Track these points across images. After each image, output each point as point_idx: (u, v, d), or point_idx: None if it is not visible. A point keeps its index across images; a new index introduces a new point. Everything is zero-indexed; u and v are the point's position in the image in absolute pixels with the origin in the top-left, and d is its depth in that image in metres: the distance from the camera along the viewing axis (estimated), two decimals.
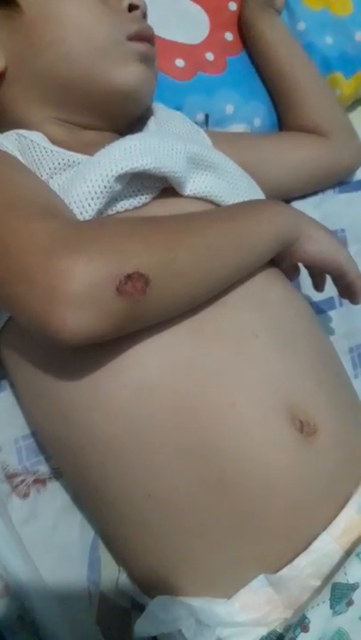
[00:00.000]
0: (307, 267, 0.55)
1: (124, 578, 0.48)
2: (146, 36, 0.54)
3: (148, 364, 0.42)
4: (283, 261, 0.51)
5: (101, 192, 0.44)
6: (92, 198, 0.44)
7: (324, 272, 0.54)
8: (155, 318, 0.41)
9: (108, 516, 0.46)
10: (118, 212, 0.47)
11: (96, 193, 0.44)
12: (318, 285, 0.57)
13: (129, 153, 0.45)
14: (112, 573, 0.49)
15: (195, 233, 0.43)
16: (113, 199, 0.46)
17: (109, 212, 0.46)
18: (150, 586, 0.45)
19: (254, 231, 0.46)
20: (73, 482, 0.51)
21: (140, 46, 0.53)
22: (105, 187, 0.44)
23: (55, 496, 0.52)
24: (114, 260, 0.37)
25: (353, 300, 0.54)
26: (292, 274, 0.55)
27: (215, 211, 0.49)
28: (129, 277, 0.37)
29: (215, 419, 0.41)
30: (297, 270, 0.56)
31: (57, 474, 0.53)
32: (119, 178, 0.45)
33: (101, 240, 0.39)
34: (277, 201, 0.54)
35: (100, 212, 0.45)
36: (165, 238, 0.41)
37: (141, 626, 0.43)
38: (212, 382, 0.42)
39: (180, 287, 0.41)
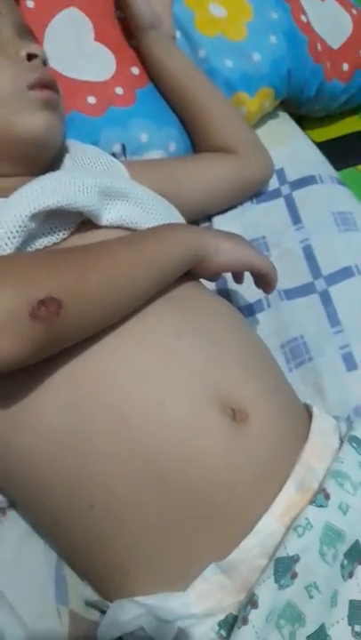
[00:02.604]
0: None
1: (89, 591, 0.49)
2: (47, 83, 0.57)
3: (75, 380, 0.45)
4: (201, 274, 0.56)
5: (17, 232, 0.47)
6: (9, 238, 0.47)
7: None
8: (73, 338, 0.44)
9: (60, 533, 0.48)
10: (38, 250, 0.50)
11: (12, 233, 0.47)
12: (238, 279, 0.63)
13: (40, 193, 0.49)
14: (78, 589, 0.51)
15: (104, 257, 0.46)
16: (31, 237, 0.49)
17: (29, 250, 0.49)
18: (110, 592, 0.47)
19: (162, 252, 0.50)
20: (24, 506, 0.53)
21: (42, 94, 0.56)
22: (19, 227, 0.47)
23: (16, 522, 0.54)
24: (23, 287, 0.40)
25: (267, 289, 0.59)
26: (213, 278, 0.60)
27: (124, 237, 0.53)
28: (42, 302, 0.40)
29: (146, 419, 0.44)
30: (218, 275, 0.61)
31: (14, 502, 0.54)
32: (33, 217, 0.48)
33: (9, 271, 0.42)
34: (184, 224, 0.59)
35: (18, 251, 0.48)
36: (74, 263, 0.45)
37: (103, 631, 0.45)
38: (138, 385, 0.45)
39: (94, 307, 0.44)
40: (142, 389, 0.45)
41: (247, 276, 0.62)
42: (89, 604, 0.49)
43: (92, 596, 0.49)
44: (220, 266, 0.55)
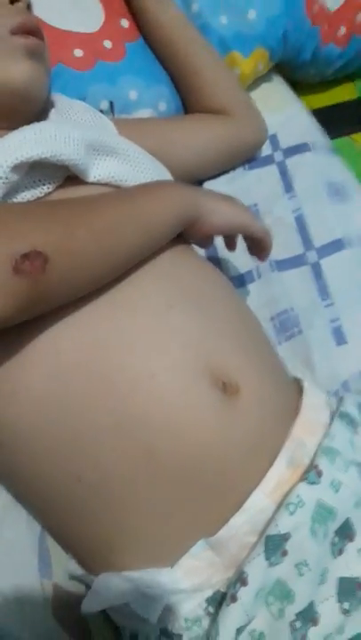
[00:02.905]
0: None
1: (73, 564, 0.48)
2: (30, 29, 0.53)
3: (64, 349, 0.43)
4: (193, 237, 0.53)
5: None
6: None
7: (235, 235, 0.57)
8: (59, 298, 0.42)
9: (45, 506, 0.47)
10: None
11: None
12: (230, 246, 0.60)
13: (24, 143, 0.46)
14: (63, 562, 0.50)
15: (92, 212, 0.44)
16: (13, 190, 0.46)
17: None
18: (95, 566, 0.46)
19: (153, 210, 0.47)
20: (7, 477, 0.51)
21: (26, 41, 0.52)
22: (1, 178, 0.44)
23: None
24: (6, 240, 0.38)
25: (261, 256, 0.57)
26: (205, 243, 0.57)
27: (115, 192, 0.50)
28: (26, 256, 0.37)
29: (136, 391, 0.42)
30: (210, 239, 0.58)
31: None
32: (15, 168, 0.45)
33: None
34: (178, 182, 0.56)
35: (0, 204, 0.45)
36: (62, 216, 0.42)
37: (87, 604, 0.44)
38: (129, 356, 0.43)
39: (82, 265, 0.41)
40: (133, 360, 0.43)
41: (239, 246, 0.60)
42: (73, 578, 0.48)
43: (77, 569, 0.47)
44: (213, 227, 0.52)
